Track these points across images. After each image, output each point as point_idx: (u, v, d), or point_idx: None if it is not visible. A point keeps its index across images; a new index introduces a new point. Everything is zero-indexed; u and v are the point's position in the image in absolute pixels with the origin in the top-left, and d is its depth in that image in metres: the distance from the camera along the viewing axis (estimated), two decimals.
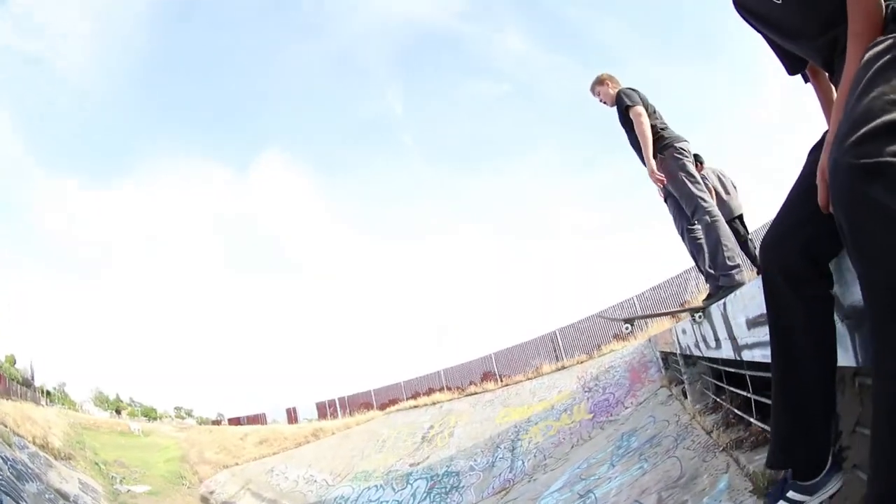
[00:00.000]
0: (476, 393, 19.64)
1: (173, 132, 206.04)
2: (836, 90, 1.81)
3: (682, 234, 5.76)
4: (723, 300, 4.05)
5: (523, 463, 12.83)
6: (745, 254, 7.79)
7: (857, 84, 1.49)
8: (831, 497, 2.10)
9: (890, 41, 1.50)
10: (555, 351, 21.31)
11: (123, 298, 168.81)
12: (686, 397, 8.09)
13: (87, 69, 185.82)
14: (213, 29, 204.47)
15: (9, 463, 13.88)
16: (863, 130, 1.37)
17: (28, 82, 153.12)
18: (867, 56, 1.53)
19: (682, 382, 8.42)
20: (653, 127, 5.62)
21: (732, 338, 3.84)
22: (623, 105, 5.80)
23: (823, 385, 1.97)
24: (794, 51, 2.10)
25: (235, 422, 55.03)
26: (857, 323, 1.87)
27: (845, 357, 1.98)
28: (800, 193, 1.91)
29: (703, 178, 7.10)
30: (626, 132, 5.93)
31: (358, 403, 33.63)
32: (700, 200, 5.35)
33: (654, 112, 5.81)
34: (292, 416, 42.60)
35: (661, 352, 10.93)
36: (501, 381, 20.05)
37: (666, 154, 5.58)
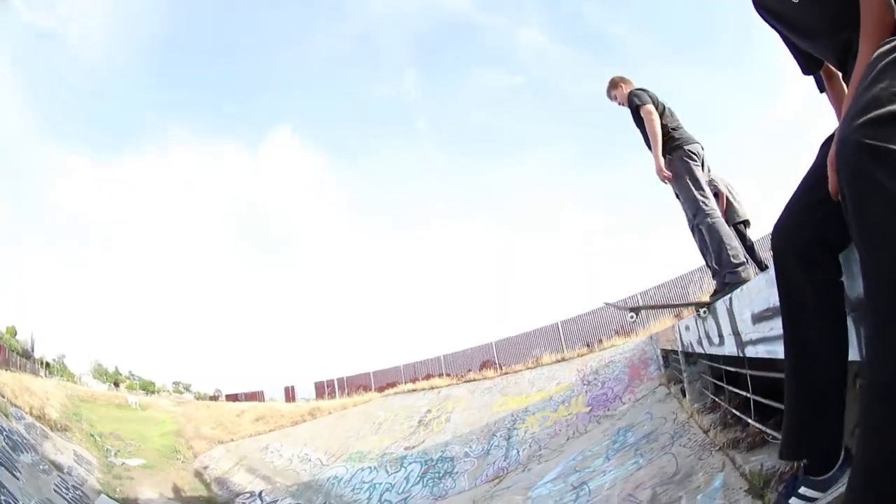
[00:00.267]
0: (475, 380, 19.66)
1: (185, 109, 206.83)
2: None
3: (692, 230, 5.76)
4: (729, 295, 4.05)
5: (518, 452, 12.82)
6: (752, 258, 7.73)
7: (866, 77, 1.57)
8: None
9: None
10: (557, 342, 21.25)
11: (127, 273, 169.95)
12: (684, 396, 8.06)
13: (100, 45, 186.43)
14: (228, 6, 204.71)
15: (4, 433, 13.97)
16: (870, 115, 1.45)
17: (41, 57, 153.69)
18: (877, 53, 1.61)
19: (682, 381, 8.41)
20: (664, 127, 5.71)
21: (736, 333, 3.83)
22: (634, 105, 5.91)
23: (835, 373, 1.98)
24: (810, 50, 2.16)
25: (233, 398, 55.32)
26: (862, 315, 1.84)
27: (852, 351, 1.97)
28: (811, 181, 1.96)
29: (712, 181, 7.09)
30: (640, 131, 6.00)
31: (356, 385, 33.70)
32: (701, 203, 5.41)
33: (666, 112, 5.88)
34: (290, 394, 42.74)
35: (662, 350, 10.92)
36: (501, 369, 20.04)
37: (675, 155, 5.66)
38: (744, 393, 4.74)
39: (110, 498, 17.83)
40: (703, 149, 5.73)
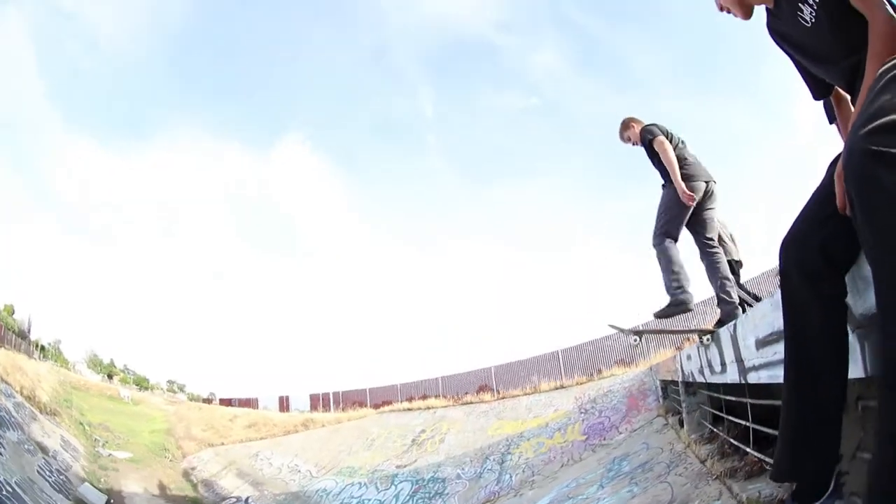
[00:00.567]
0: (472, 402, 19.54)
1: (197, 108, 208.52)
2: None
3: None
4: (733, 321, 4.05)
5: (511, 477, 12.71)
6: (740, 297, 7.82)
7: (872, 91, 1.65)
8: None
9: None
10: (557, 370, 21.14)
11: (130, 265, 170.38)
12: (682, 427, 8.02)
13: (118, 35, 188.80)
14: (247, 10, 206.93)
15: None
16: (876, 123, 1.51)
17: (59, 37, 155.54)
18: (882, 69, 1.68)
19: (679, 413, 8.38)
20: (677, 157, 5.83)
21: (739, 360, 3.82)
22: (647, 140, 6.07)
23: (835, 395, 1.97)
24: (821, 74, 2.20)
25: (227, 403, 54.72)
26: (867, 332, 1.88)
27: (854, 369, 1.97)
28: (819, 198, 1.97)
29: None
30: (655, 166, 6.13)
31: (352, 400, 33.50)
32: (663, 230, 5.79)
33: (679, 144, 6.01)
34: (284, 404, 42.37)
35: (662, 381, 10.89)
36: (499, 393, 19.93)
37: (670, 187, 5.82)
38: (743, 422, 4.70)
39: (94, 487, 17.69)
40: (712, 183, 5.85)
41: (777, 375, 2.82)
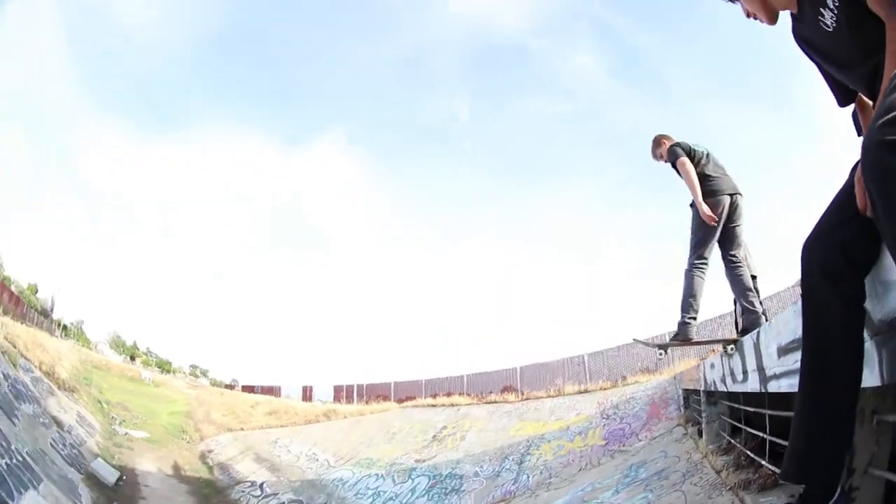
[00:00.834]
0: (495, 402, 19.52)
1: (232, 103, 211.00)
2: None
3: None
4: (757, 330, 4.12)
5: (528, 478, 12.67)
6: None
7: (888, 90, 1.68)
8: None
9: None
10: (582, 374, 21.02)
11: (158, 252, 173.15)
12: (701, 437, 8.00)
13: (154, 25, 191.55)
14: (286, 9, 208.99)
15: (9, 380, 14.21)
16: (889, 116, 1.54)
17: (92, 30, 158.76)
18: None
19: (699, 423, 8.35)
20: (700, 175, 6.09)
21: (761, 368, 3.85)
22: (671, 160, 6.38)
23: (849, 397, 1.97)
24: (843, 80, 2.20)
25: (249, 389, 55.11)
26: (885, 339, 1.91)
27: (871, 377, 1.99)
28: (840, 199, 2.00)
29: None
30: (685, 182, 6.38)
31: (376, 393, 33.66)
32: (692, 255, 6.08)
33: (704, 160, 6.24)
34: (308, 394, 42.63)
35: (685, 390, 10.82)
36: (523, 394, 19.88)
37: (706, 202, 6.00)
38: (761, 434, 4.65)
39: (107, 463, 17.95)
40: (737, 197, 6.05)
41: (796, 384, 2.76)
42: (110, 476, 16.63)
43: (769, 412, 4.43)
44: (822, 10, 1.98)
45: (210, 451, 27.98)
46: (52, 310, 61.44)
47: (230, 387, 63.93)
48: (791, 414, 3.82)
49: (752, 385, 4.17)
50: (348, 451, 20.94)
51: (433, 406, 22.46)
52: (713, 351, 9.85)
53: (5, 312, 23.37)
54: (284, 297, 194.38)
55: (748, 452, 5.15)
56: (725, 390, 5.60)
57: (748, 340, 4.33)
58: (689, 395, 10.41)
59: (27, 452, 10.80)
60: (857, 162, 1.89)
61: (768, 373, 3.64)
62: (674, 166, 6.34)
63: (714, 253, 6.11)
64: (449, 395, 24.56)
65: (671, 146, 6.43)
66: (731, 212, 5.98)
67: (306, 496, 17.76)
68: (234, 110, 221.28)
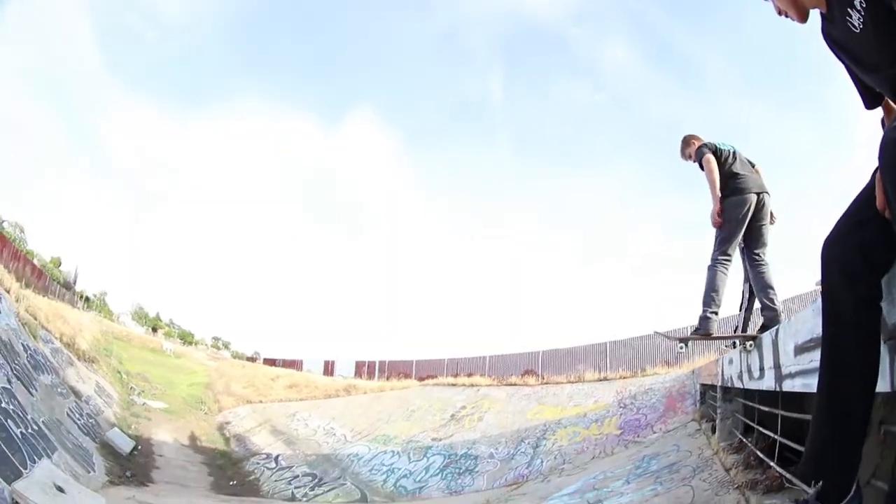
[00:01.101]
0: (515, 384, 19.53)
1: (265, 77, 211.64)
2: None
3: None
4: (776, 327, 4.12)
5: (542, 462, 12.69)
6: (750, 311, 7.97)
7: None
8: None
9: None
10: (603, 361, 20.93)
11: (184, 226, 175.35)
12: (714, 433, 8.00)
13: (183, 2, 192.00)
14: None
15: (29, 351, 14.43)
16: None
17: (119, 10, 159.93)
18: None
19: (714, 420, 8.37)
20: (724, 173, 6.21)
21: (777, 366, 3.86)
22: (697, 158, 6.49)
23: (864, 399, 1.97)
24: (870, 82, 2.16)
25: (271, 362, 55.57)
26: None
27: (882, 383, 1.99)
28: (861, 200, 2.03)
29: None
30: None
31: (397, 370, 33.78)
32: (716, 251, 6.12)
33: (731, 159, 6.33)
34: (329, 368, 42.86)
35: (702, 385, 10.81)
36: (543, 378, 19.86)
37: (725, 202, 6.13)
38: (772, 434, 4.60)
39: (123, 432, 18.30)
40: (764, 195, 6.12)
41: (810, 384, 2.82)
42: (126, 445, 16.97)
43: (782, 412, 4.42)
44: (849, 10, 1.94)
45: (228, 423, 28.40)
46: (74, 282, 62.91)
47: (252, 359, 64.63)
48: (803, 416, 3.82)
49: (768, 383, 4.16)
50: (366, 427, 21.12)
51: (453, 385, 22.53)
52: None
53: (27, 285, 23.72)
54: (311, 271, 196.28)
55: (758, 453, 5.13)
56: (742, 387, 5.57)
57: (767, 337, 4.30)
58: (706, 390, 10.41)
59: (43, 422, 11.01)
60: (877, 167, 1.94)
61: (784, 371, 3.63)
62: (700, 165, 6.42)
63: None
64: (470, 375, 24.59)
65: (699, 147, 6.51)
66: (758, 210, 6.03)
67: (320, 470, 17.95)
68: (268, 85, 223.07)
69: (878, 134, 2.50)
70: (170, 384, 34.85)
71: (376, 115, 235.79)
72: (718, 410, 7.58)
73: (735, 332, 7.00)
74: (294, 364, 49.59)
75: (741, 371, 5.47)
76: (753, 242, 6.05)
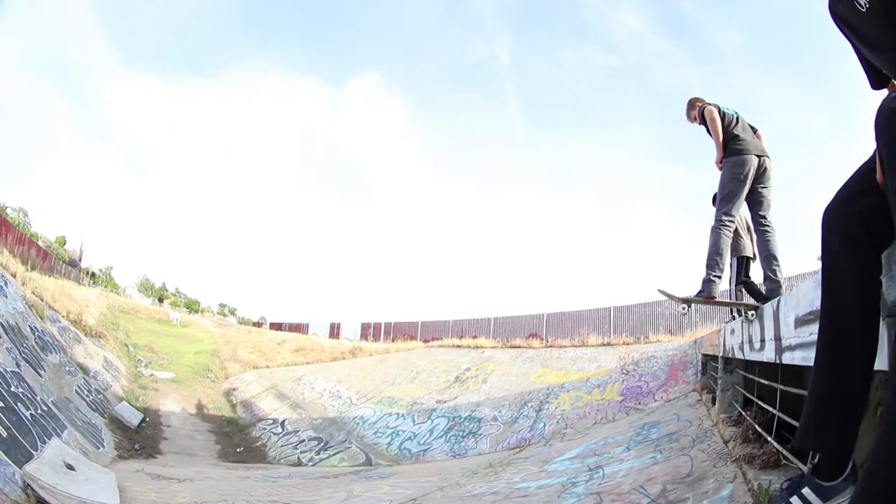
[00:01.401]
0: (520, 346, 19.60)
1: (270, 43, 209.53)
2: None
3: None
4: (777, 298, 4.10)
5: (545, 426, 12.77)
6: (748, 291, 7.93)
7: None
8: None
9: None
10: (607, 326, 20.98)
11: (190, 192, 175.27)
12: (714, 405, 8.04)
13: None
14: None
15: (36, 333, 14.54)
16: None
17: None
18: None
19: (714, 391, 8.41)
20: (728, 132, 6.22)
21: (778, 338, 3.85)
22: (701, 111, 6.52)
23: (863, 370, 1.99)
24: (875, 62, 2.16)
25: (277, 327, 56.01)
26: None
27: (879, 359, 1.99)
28: (861, 172, 2.09)
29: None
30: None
31: (402, 332, 33.96)
32: (720, 211, 6.06)
33: (734, 122, 6.31)
34: (335, 331, 43.13)
35: (704, 355, 10.85)
36: (547, 342, 19.93)
37: (725, 160, 6.18)
38: (771, 409, 4.59)
39: (131, 405, 18.57)
40: (765, 159, 6.09)
41: (810, 358, 2.73)
42: (134, 419, 17.19)
43: (781, 387, 4.40)
44: None
45: (234, 389, 28.69)
46: (80, 259, 63.54)
47: (258, 325, 65.18)
48: (802, 392, 3.80)
49: (768, 354, 4.13)
50: (371, 390, 21.32)
51: (458, 347, 22.69)
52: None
53: (33, 268, 23.93)
54: (317, 235, 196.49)
55: (756, 427, 5.14)
56: (742, 358, 5.55)
57: (768, 308, 4.26)
58: (707, 360, 10.44)
59: (52, 402, 11.15)
60: None
61: (784, 343, 3.61)
62: (703, 118, 6.46)
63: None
64: (475, 337, 24.72)
65: (705, 105, 6.51)
66: (760, 173, 6.02)
67: (326, 434, 18.12)
68: (273, 53, 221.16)
69: None
70: (177, 354, 35.25)
71: (382, 80, 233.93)
72: (719, 381, 7.60)
73: (733, 295, 6.99)
74: (300, 328, 49.98)
75: (742, 342, 5.45)
76: (757, 205, 6.07)
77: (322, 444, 17.32)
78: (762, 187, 6.03)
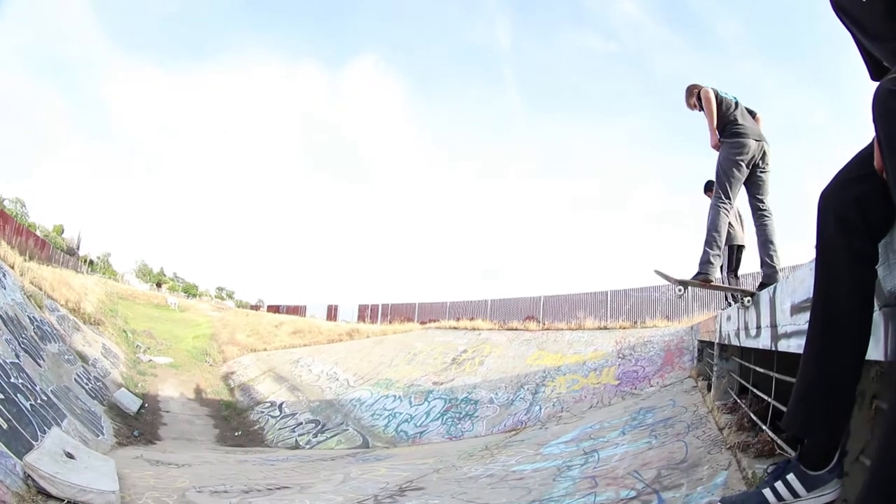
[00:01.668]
0: (516, 329, 19.66)
1: (267, 26, 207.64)
2: None
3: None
4: (773, 285, 4.10)
5: (540, 409, 12.83)
6: (732, 279, 7.99)
7: None
8: None
9: None
10: (604, 310, 21.04)
11: (188, 177, 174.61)
12: (709, 391, 8.05)
13: None
14: None
15: (35, 323, 14.50)
16: None
17: None
18: None
19: (710, 378, 8.41)
20: (725, 115, 6.24)
21: (773, 325, 3.84)
22: (697, 93, 6.53)
23: (854, 358, 1.96)
24: (876, 53, 2.14)
25: (274, 309, 56.10)
26: (895, 311, 1.90)
27: (875, 350, 1.98)
28: (859, 158, 2.04)
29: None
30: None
31: (400, 314, 34.03)
32: (719, 192, 6.03)
33: (733, 108, 6.30)
34: (332, 313, 43.20)
35: (700, 342, 10.87)
36: (544, 324, 19.98)
37: (723, 143, 6.17)
38: (766, 397, 4.63)
39: (130, 392, 18.63)
40: (763, 143, 6.04)
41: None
42: (132, 405, 17.20)
43: (776, 375, 4.40)
44: None
45: (232, 373, 28.74)
46: (78, 247, 63.59)
47: (256, 307, 65.16)
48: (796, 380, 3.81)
49: (764, 342, 4.13)
50: (369, 371, 21.37)
51: (455, 329, 22.71)
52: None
53: (31, 258, 23.90)
54: (314, 217, 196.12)
55: (751, 415, 5.15)
56: (738, 345, 5.57)
57: (765, 295, 4.26)
58: (704, 347, 10.44)
59: (52, 391, 11.16)
60: None
61: (780, 330, 3.61)
62: (699, 101, 6.46)
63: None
64: (472, 319, 24.72)
65: (703, 88, 6.47)
66: (759, 158, 6.01)
67: (323, 416, 18.18)
68: (271, 37, 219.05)
69: None
70: (175, 338, 35.28)
71: (381, 63, 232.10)
72: (715, 368, 7.62)
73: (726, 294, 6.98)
74: (298, 310, 50.06)
75: (738, 328, 5.46)
76: (755, 189, 6.06)
77: (319, 426, 17.38)
78: (761, 171, 6.03)
